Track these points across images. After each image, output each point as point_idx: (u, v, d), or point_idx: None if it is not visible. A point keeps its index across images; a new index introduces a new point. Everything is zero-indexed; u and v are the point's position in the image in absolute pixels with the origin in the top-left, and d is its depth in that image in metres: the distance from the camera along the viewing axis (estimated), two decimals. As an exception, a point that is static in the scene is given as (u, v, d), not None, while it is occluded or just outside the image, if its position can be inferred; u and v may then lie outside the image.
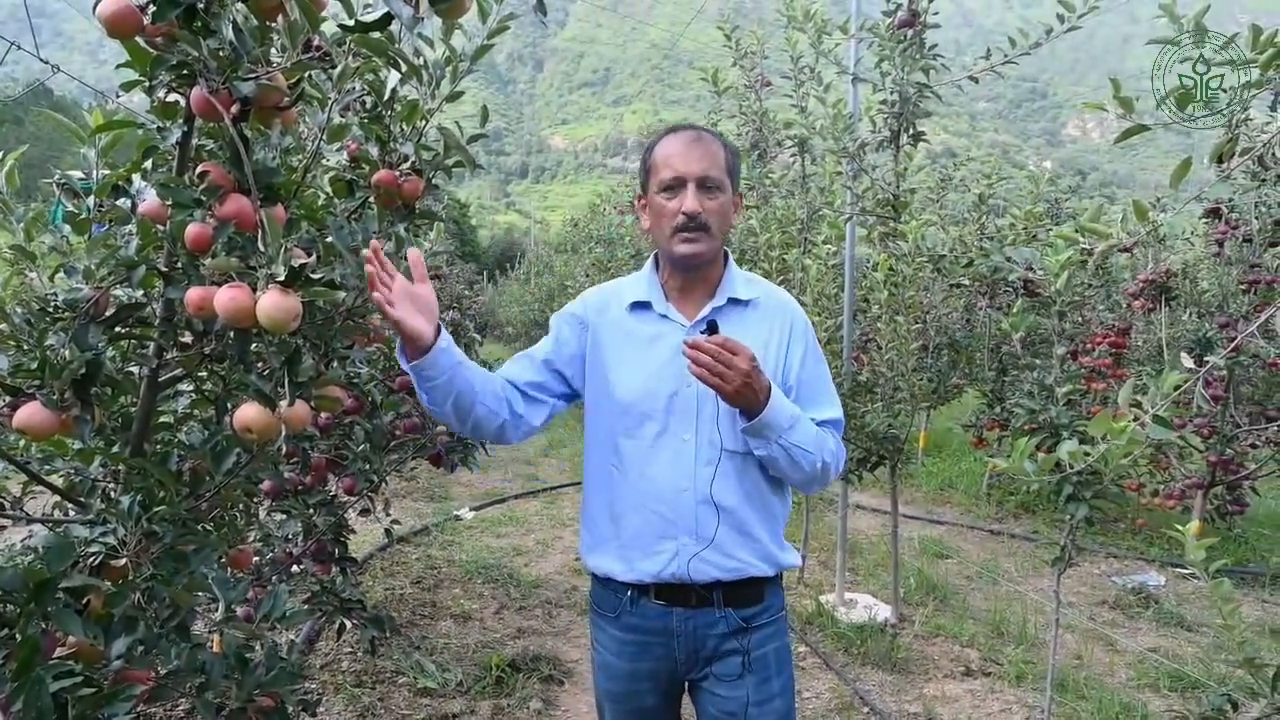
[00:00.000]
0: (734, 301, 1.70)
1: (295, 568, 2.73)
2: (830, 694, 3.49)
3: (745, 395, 1.48)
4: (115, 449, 1.31)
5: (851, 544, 5.28)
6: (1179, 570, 5.10)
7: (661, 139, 1.68)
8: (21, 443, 1.34)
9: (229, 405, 1.40)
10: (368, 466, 2.76)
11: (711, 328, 1.50)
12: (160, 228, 1.25)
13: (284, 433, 1.21)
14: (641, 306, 1.71)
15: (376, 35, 1.15)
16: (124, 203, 1.37)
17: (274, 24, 1.15)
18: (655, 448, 1.63)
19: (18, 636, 0.96)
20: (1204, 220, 5.14)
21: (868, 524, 6.20)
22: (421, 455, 3.10)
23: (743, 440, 1.59)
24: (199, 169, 1.19)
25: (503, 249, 38.92)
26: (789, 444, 1.55)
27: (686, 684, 1.75)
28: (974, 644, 4.01)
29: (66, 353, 1.19)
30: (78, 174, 1.43)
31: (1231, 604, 1.59)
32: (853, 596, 4.54)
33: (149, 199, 1.29)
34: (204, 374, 1.47)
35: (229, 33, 1.09)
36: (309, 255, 1.27)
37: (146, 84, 1.15)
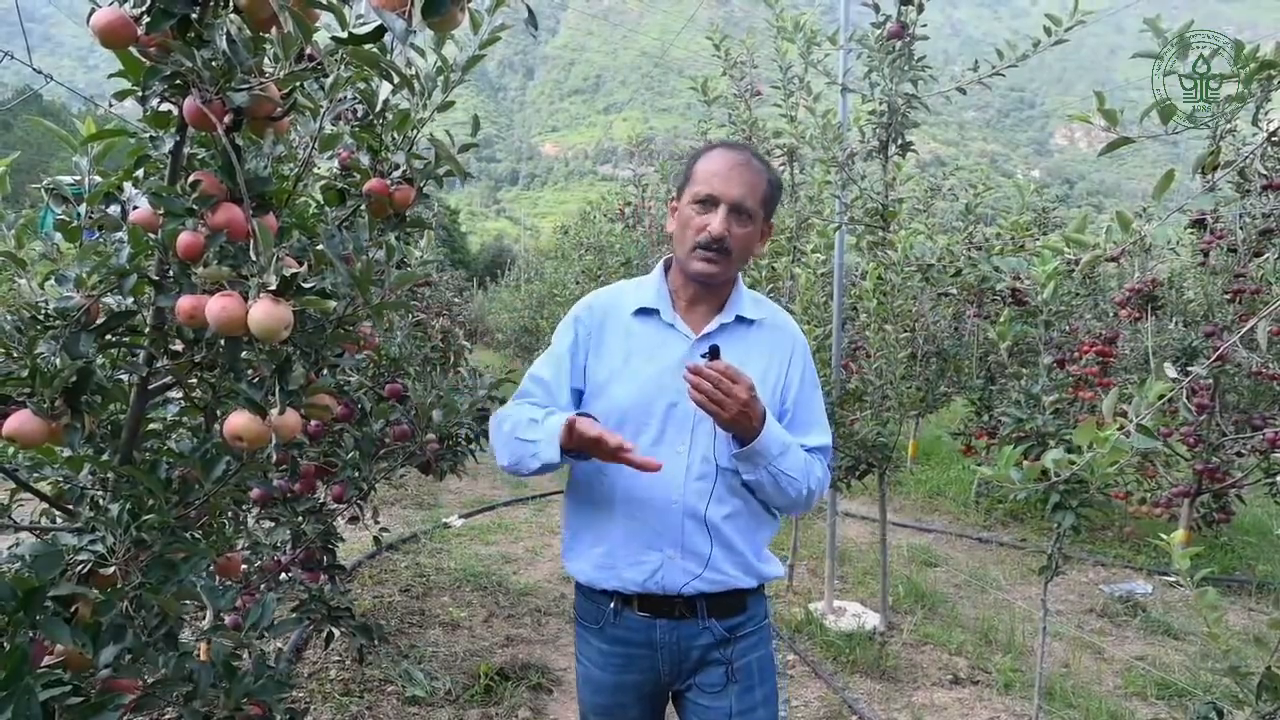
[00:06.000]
0: (740, 320, 1.70)
1: (284, 575, 2.72)
2: (819, 702, 3.50)
3: (740, 423, 1.49)
4: (104, 456, 1.31)
5: (840, 552, 5.30)
6: (1166, 578, 5.13)
7: (711, 150, 1.66)
8: (10, 450, 1.33)
9: (219, 413, 1.40)
10: (357, 474, 2.76)
11: (713, 353, 1.49)
12: (152, 236, 1.25)
13: (274, 440, 1.21)
14: (648, 313, 1.70)
15: (369, 47, 1.15)
16: (115, 210, 1.37)
17: (267, 35, 1.16)
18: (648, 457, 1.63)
19: (6, 645, 0.96)
20: (1189, 230, 5.19)
21: (857, 532, 6.21)
22: (411, 463, 3.10)
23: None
24: (191, 178, 1.19)
25: (493, 255, 38.82)
26: (778, 471, 1.56)
27: (670, 695, 1.75)
28: (962, 652, 4.02)
29: (57, 361, 1.18)
30: (67, 179, 1.43)
31: (1217, 612, 1.60)
32: (841, 604, 4.55)
33: (141, 207, 1.30)
34: (194, 382, 1.47)
35: (223, 43, 1.10)
36: (300, 264, 1.27)
37: (139, 93, 1.15)
